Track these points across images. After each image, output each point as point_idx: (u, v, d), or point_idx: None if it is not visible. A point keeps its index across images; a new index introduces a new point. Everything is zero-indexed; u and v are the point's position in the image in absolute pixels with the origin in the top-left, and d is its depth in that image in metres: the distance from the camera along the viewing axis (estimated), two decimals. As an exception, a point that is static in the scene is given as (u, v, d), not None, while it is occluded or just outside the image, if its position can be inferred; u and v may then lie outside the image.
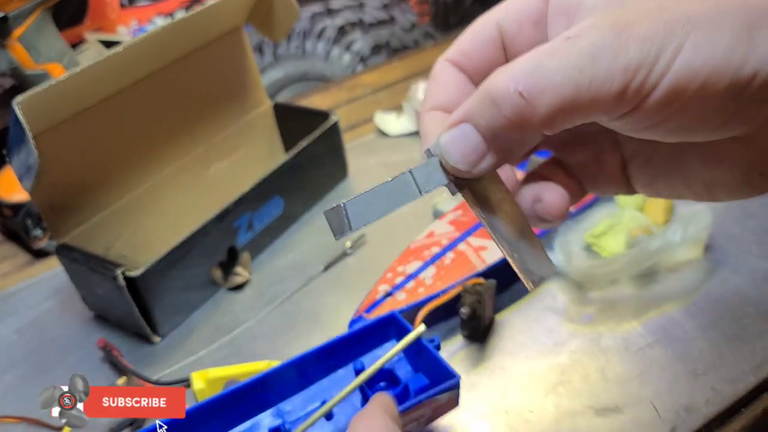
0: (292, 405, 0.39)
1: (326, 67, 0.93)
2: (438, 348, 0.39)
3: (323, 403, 0.38)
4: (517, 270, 0.30)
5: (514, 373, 0.45)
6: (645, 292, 0.49)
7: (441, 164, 0.28)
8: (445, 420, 0.41)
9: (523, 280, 0.30)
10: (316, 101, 0.86)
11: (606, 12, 0.26)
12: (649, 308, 0.48)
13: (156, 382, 0.46)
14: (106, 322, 0.55)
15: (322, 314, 0.52)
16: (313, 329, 0.51)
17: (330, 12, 0.90)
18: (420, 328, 0.38)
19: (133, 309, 0.49)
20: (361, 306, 0.47)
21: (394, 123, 0.76)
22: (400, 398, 0.37)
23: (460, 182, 0.28)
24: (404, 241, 0.53)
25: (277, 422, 0.37)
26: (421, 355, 0.39)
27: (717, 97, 0.24)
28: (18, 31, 0.59)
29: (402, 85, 0.86)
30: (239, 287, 0.57)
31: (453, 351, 0.47)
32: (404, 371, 0.39)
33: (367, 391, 0.37)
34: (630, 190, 0.32)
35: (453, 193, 0.29)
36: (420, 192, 0.28)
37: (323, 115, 0.64)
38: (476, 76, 0.31)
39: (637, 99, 0.24)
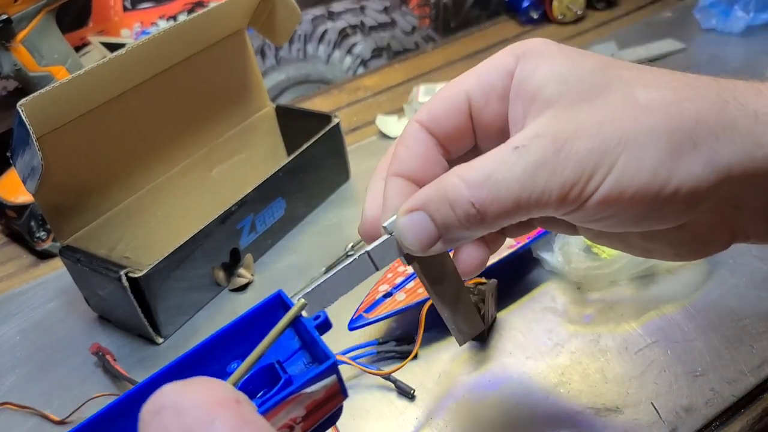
0: None
1: (328, 69, 0.94)
2: (325, 324, 0.30)
3: None
4: (451, 329, 0.35)
5: (514, 374, 0.45)
6: (644, 293, 0.49)
7: (396, 243, 0.31)
8: (445, 419, 0.42)
9: (456, 338, 0.36)
10: (317, 104, 0.87)
11: (553, 118, 0.29)
12: (649, 309, 0.48)
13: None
14: (110, 323, 0.55)
15: (324, 315, 0.53)
16: (314, 330, 0.51)
17: (331, 15, 0.91)
18: (299, 303, 0.29)
19: (136, 310, 0.50)
20: (361, 306, 0.47)
21: (395, 125, 0.76)
22: (278, 398, 0.27)
23: (410, 257, 0.32)
24: (405, 243, 0.53)
25: None
26: (309, 340, 0.30)
27: (645, 205, 0.28)
28: (22, 34, 0.60)
29: (403, 88, 0.86)
30: (242, 288, 0.57)
31: (456, 352, 0.47)
32: (303, 363, 0.30)
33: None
34: (576, 234, 0.35)
35: (405, 265, 0.32)
36: (377, 269, 0.32)
37: (325, 118, 0.65)
38: (444, 140, 0.33)
39: (574, 206, 0.28)
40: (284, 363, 0.30)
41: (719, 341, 0.45)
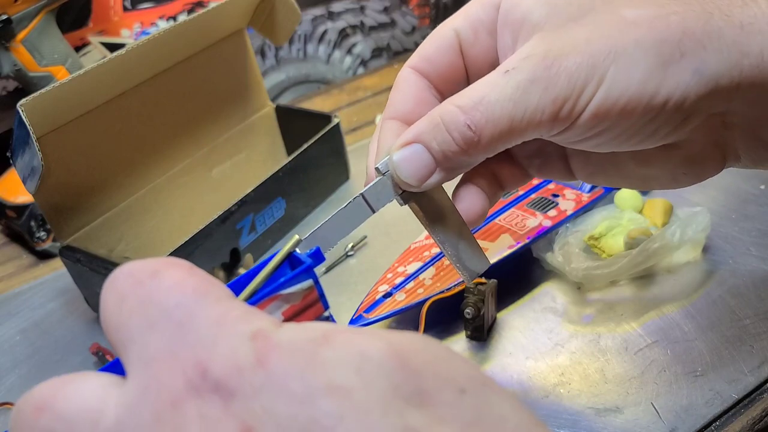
0: None
1: (328, 70, 0.94)
2: (317, 255, 0.29)
3: None
4: (456, 267, 0.34)
5: (514, 374, 0.45)
6: (644, 293, 0.49)
7: (392, 180, 0.31)
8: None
9: (461, 275, 0.34)
10: (317, 104, 0.87)
11: (542, 39, 0.29)
12: (649, 309, 0.48)
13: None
14: (109, 323, 0.55)
15: (324, 315, 0.53)
16: (314, 330, 0.51)
17: (331, 15, 0.91)
18: (293, 238, 0.28)
19: (136, 310, 0.50)
20: (361, 306, 0.47)
21: (395, 125, 0.76)
22: None
23: (407, 196, 0.31)
24: (404, 242, 0.53)
25: None
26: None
27: (636, 118, 0.28)
28: (22, 34, 0.60)
29: (403, 88, 0.86)
30: (241, 288, 0.57)
31: (457, 352, 0.47)
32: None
33: None
34: (573, 178, 0.36)
35: (401, 205, 0.32)
36: (373, 211, 0.32)
37: (325, 118, 0.65)
38: (437, 81, 0.33)
39: (567, 123, 0.29)
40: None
41: (719, 341, 0.45)
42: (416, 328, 0.45)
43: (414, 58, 0.34)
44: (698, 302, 0.48)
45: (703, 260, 0.51)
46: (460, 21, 0.33)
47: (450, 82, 0.33)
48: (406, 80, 0.33)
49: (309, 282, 0.27)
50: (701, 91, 0.28)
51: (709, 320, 0.46)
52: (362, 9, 0.93)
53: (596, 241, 0.52)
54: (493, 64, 0.32)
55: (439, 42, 0.33)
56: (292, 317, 0.27)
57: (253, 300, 0.26)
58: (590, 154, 0.34)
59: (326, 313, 0.28)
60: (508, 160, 0.35)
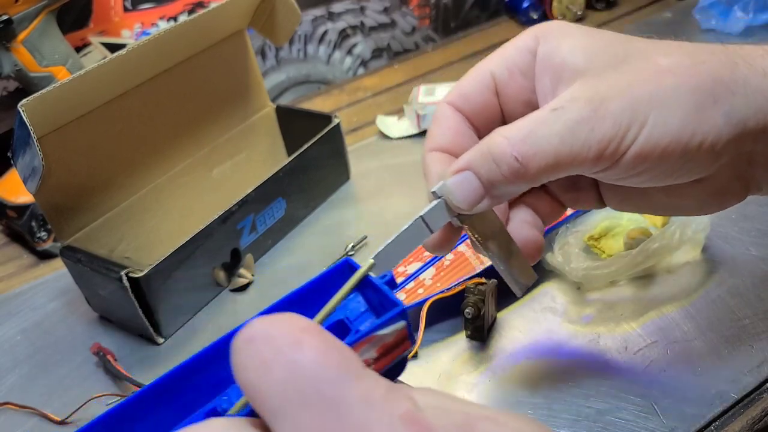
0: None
1: (328, 70, 0.94)
2: (392, 283, 0.32)
3: None
4: (508, 282, 0.38)
5: (514, 374, 0.45)
6: (644, 293, 0.50)
7: (446, 204, 0.33)
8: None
9: (513, 290, 0.38)
10: (318, 104, 0.87)
11: (585, 83, 0.32)
12: (648, 309, 0.48)
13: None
14: (110, 323, 0.55)
15: (324, 315, 0.53)
16: (315, 330, 0.51)
17: (331, 16, 0.91)
18: (368, 263, 0.31)
19: (137, 310, 0.50)
20: (363, 306, 0.47)
21: (395, 126, 0.76)
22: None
23: (461, 218, 0.34)
24: (405, 243, 0.53)
25: (216, 404, 0.31)
26: (380, 299, 0.32)
27: (674, 158, 0.31)
28: (23, 35, 0.60)
29: (403, 89, 0.86)
30: (242, 289, 0.57)
31: (457, 352, 0.47)
32: (369, 323, 0.32)
33: None
34: (603, 206, 0.39)
35: (456, 226, 0.35)
36: (431, 231, 0.34)
37: (325, 118, 0.65)
38: (473, 117, 0.36)
39: (610, 162, 0.31)
40: (352, 321, 0.32)
41: (719, 341, 0.45)
42: (416, 328, 0.46)
43: (452, 95, 0.36)
44: (698, 302, 0.48)
45: (703, 260, 0.51)
46: (496, 62, 0.35)
47: (485, 119, 0.36)
48: (445, 115, 0.36)
49: (402, 323, 0.29)
50: (732, 133, 0.31)
51: (709, 320, 0.46)
52: (362, 9, 0.93)
53: (596, 241, 0.52)
54: (527, 104, 0.35)
55: (476, 81, 0.36)
56: (384, 353, 0.29)
57: (350, 340, 0.27)
58: (622, 188, 0.36)
59: (412, 347, 0.30)
60: (545, 194, 0.38)
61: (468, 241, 0.51)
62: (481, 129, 0.36)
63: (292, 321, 0.21)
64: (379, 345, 0.29)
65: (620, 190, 0.37)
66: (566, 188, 0.38)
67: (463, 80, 0.37)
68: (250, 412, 0.27)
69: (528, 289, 0.40)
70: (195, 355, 0.30)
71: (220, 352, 0.30)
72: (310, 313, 0.30)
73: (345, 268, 0.33)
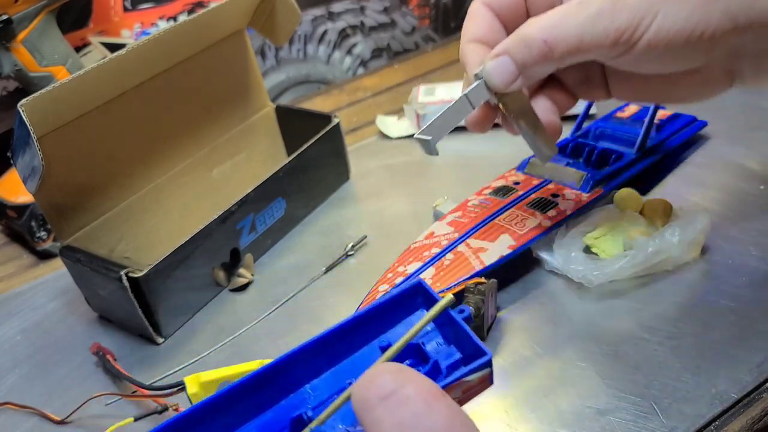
0: (315, 388, 0.36)
1: (328, 70, 0.94)
2: (468, 320, 0.35)
3: (348, 384, 0.35)
4: (535, 152, 0.46)
5: (513, 374, 0.45)
6: (644, 293, 0.50)
7: (485, 84, 0.41)
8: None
9: (539, 158, 0.46)
10: (317, 104, 0.87)
11: None
12: (648, 309, 0.48)
13: (150, 387, 0.46)
14: (110, 323, 0.55)
15: (324, 315, 0.53)
16: (315, 330, 0.51)
17: (331, 15, 0.91)
18: (447, 298, 0.34)
19: (137, 310, 0.50)
20: (362, 305, 0.47)
21: (395, 126, 0.76)
22: (430, 377, 0.32)
23: (498, 96, 0.41)
24: (405, 242, 0.53)
25: (302, 410, 0.34)
26: (451, 328, 0.35)
27: (679, 47, 0.37)
28: (22, 34, 0.60)
29: (403, 88, 0.86)
30: (242, 288, 0.57)
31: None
32: (435, 344, 0.36)
33: None
34: (610, 97, 0.46)
35: (494, 104, 0.43)
36: (473, 107, 0.41)
37: (325, 118, 0.65)
38: (503, 14, 0.43)
39: (625, 48, 0.37)
40: (423, 341, 0.35)
41: (719, 341, 0.45)
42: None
43: None
44: (698, 302, 0.48)
45: (703, 260, 0.51)
46: None
47: (513, 16, 0.43)
48: (479, 12, 0.44)
49: (488, 370, 0.33)
50: (727, 27, 0.36)
51: (709, 320, 0.46)
52: (362, 9, 0.93)
53: (596, 241, 0.52)
54: (551, 5, 0.41)
55: None
56: (467, 392, 0.33)
57: (443, 384, 0.31)
58: (628, 78, 0.43)
59: (491, 387, 0.34)
60: (560, 86, 0.45)
61: (468, 240, 0.51)
62: (509, 26, 0.42)
63: (421, 383, 0.24)
64: (465, 387, 0.33)
65: (626, 79, 0.44)
66: (579, 81, 0.45)
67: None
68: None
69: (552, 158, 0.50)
70: (331, 329, 0.35)
71: (354, 326, 0.36)
72: (379, 329, 0.36)
73: (416, 290, 0.37)
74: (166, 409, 0.44)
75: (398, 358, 0.33)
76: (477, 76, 0.41)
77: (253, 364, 0.43)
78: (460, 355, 0.34)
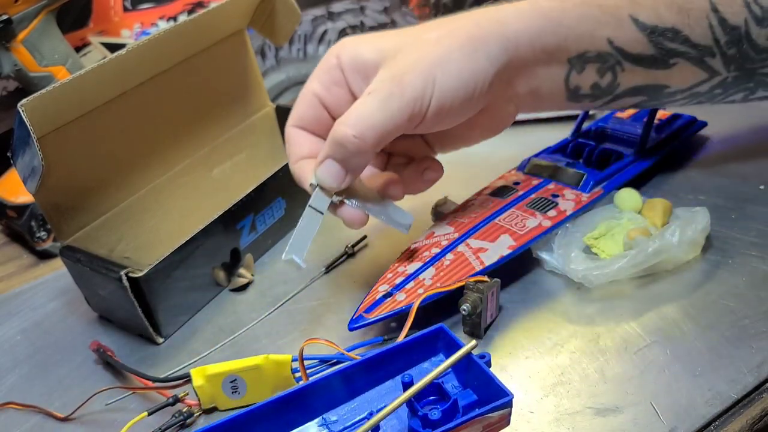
0: (338, 416, 0.38)
1: (328, 69, 0.94)
2: (489, 364, 0.38)
3: (370, 414, 0.37)
4: (394, 226, 0.49)
5: (513, 373, 0.45)
6: (644, 293, 0.50)
7: (322, 189, 0.45)
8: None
9: (401, 231, 0.50)
10: (317, 104, 0.87)
11: (385, 68, 0.43)
12: (648, 309, 0.48)
13: (156, 379, 0.46)
14: (110, 323, 0.55)
15: (324, 315, 0.53)
16: (315, 330, 0.51)
17: (331, 15, 0.91)
18: (471, 344, 0.37)
19: (137, 310, 0.50)
20: (362, 306, 0.47)
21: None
22: (448, 414, 0.36)
23: (337, 194, 0.46)
24: (405, 242, 0.53)
25: None
26: (471, 370, 0.38)
27: (462, 98, 0.43)
28: (22, 34, 0.60)
29: (403, 88, 0.86)
30: (242, 288, 0.57)
31: (453, 351, 0.47)
32: (451, 386, 0.39)
33: (415, 405, 0.36)
34: (434, 153, 0.52)
35: (336, 203, 0.46)
36: (322, 213, 0.46)
37: (325, 118, 0.65)
38: (313, 129, 0.48)
39: (420, 118, 0.43)
40: (443, 381, 0.38)
41: (719, 341, 0.45)
42: (412, 324, 0.45)
43: (292, 119, 0.48)
44: (698, 302, 0.48)
45: (703, 260, 0.51)
46: (315, 85, 0.47)
47: (322, 126, 0.48)
48: (294, 134, 0.48)
49: (509, 409, 0.36)
50: (495, 67, 0.43)
51: (709, 320, 0.46)
52: (362, 9, 0.93)
53: (596, 241, 0.52)
54: (349, 102, 0.45)
55: (306, 104, 0.47)
56: (487, 429, 0.36)
57: (461, 421, 0.34)
58: (438, 134, 0.49)
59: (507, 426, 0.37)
60: (395, 156, 0.52)
61: (468, 240, 0.51)
62: (323, 134, 0.47)
63: None
64: (486, 423, 0.36)
65: (437, 136, 0.50)
66: (408, 147, 0.51)
67: (296, 106, 0.48)
68: None
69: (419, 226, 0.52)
70: (355, 362, 0.38)
71: (378, 361, 0.39)
72: (399, 367, 0.40)
73: (438, 332, 0.40)
74: (177, 400, 0.45)
75: (420, 394, 0.36)
76: (312, 186, 0.45)
77: (258, 359, 0.44)
78: (476, 397, 0.37)
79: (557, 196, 0.55)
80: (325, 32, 0.91)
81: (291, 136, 0.48)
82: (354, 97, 0.46)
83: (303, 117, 0.47)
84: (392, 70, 0.42)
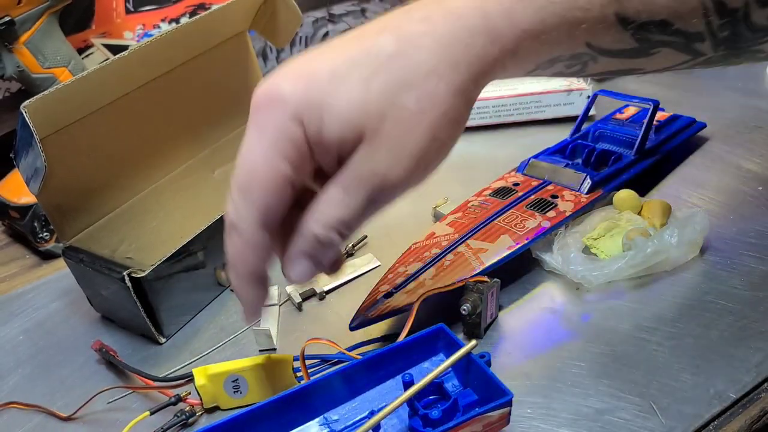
0: (339, 415, 0.38)
1: (329, 71, 0.94)
2: (489, 364, 0.38)
3: (371, 413, 0.38)
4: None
5: (513, 374, 0.45)
6: (643, 293, 0.50)
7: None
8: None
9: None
10: (318, 105, 0.87)
11: (362, 157, 0.33)
12: (647, 309, 0.48)
13: (158, 379, 0.46)
14: (112, 323, 0.56)
15: (325, 314, 0.53)
16: (315, 329, 0.51)
17: (332, 18, 0.91)
18: (471, 344, 0.37)
19: (139, 310, 0.50)
20: (363, 306, 0.48)
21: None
22: (449, 413, 0.36)
23: None
24: (405, 243, 0.53)
25: None
26: (471, 370, 0.38)
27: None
28: (25, 36, 0.60)
29: (404, 90, 0.86)
30: (243, 289, 0.57)
31: (454, 351, 0.47)
32: (451, 385, 0.39)
33: (416, 404, 0.36)
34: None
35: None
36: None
37: (326, 119, 0.65)
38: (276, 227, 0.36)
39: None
40: (443, 380, 0.38)
41: (718, 341, 0.45)
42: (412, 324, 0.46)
43: (259, 219, 0.35)
44: (696, 302, 0.48)
45: (701, 261, 0.52)
46: (282, 165, 0.33)
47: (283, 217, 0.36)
48: (263, 242, 0.36)
49: (508, 408, 0.36)
50: (477, 92, 0.35)
51: (708, 320, 0.47)
52: (363, 11, 0.93)
53: (595, 241, 0.52)
54: (319, 173, 0.35)
55: (276, 195, 0.34)
56: (487, 427, 0.36)
57: (462, 420, 0.35)
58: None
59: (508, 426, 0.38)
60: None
61: (468, 241, 0.51)
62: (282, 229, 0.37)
63: None
64: (486, 422, 0.36)
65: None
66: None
67: (259, 198, 0.34)
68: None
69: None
70: (355, 362, 0.38)
71: (379, 360, 0.39)
72: (404, 367, 0.39)
73: (438, 332, 0.40)
74: (180, 399, 0.45)
75: (421, 393, 0.36)
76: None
77: (260, 359, 0.44)
78: (476, 396, 0.37)
79: (556, 197, 0.55)
80: (326, 34, 0.92)
81: (261, 244, 0.36)
82: (322, 169, 0.35)
83: (275, 212, 0.34)
84: (370, 163, 0.33)
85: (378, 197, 0.34)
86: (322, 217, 0.34)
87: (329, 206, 0.34)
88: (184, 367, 0.50)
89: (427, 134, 0.33)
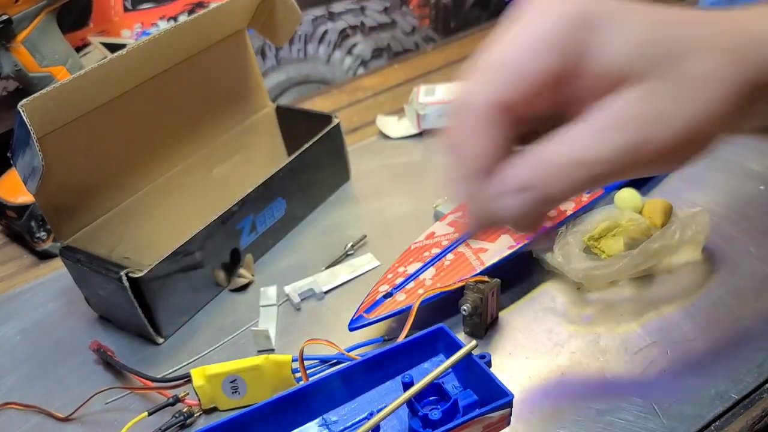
0: (338, 416, 0.38)
1: (328, 70, 0.94)
2: (489, 365, 0.38)
3: (370, 414, 0.38)
4: None
5: (514, 374, 0.45)
6: (644, 293, 0.50)
7: None
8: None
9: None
10: (318, 104, 0.87)
11: (640, 96, 0.28)
12: (648, 309, 0.48)
13: (156, 380, 0.46)
14: (110, 323, 0.55)
15: (324, 314, 0.53)
16: (314, 330, 0.51)
17: (331, 16, 0.91)
18: (471, 344, 0.37)
19: (137, 310, 0.50)
20: (362, 306, 0.47)
21: (395, 126, 0.76)
22: (449, 414, 0.36)
23: None
24: (405, 242, 0.53)
25: None
26: (471, 371, 0.38)
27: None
28: (22, 35, 0.60)
29: (403, 88, 0.86)
30: (242, 289, 0.57)
31: (454, 352, 0.47)
32: (451, 386, 0.39)
33: (415, 405, 0.36)
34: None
35: None
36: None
37: (325, 118, 0.65)
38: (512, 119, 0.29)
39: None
40: (443, 381, 0.38)
41: (719, 341, 0.45)
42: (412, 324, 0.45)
43: (494, 90, 0.28)
44: (698, 302, 0.48)
45: (703, 261, 0.51)
46: (547, 59, 0.28)
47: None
48: (496, 121, 0.29)
49: (509, 410, 0.35)
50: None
51: (709, 320, 0.46)
52: (362, 9, 0.93)
53: (596, 241, 0.52)
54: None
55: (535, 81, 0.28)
56: (488, 428, 0.36)
57: (461, 421, 0.34)
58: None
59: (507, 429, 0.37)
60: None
61: (467, 241, 0.51)
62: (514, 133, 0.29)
63: None
64: (486, 423, 0.35)
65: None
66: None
67: (512, 82, 0.28)
68: None
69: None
70: (356, 362, 0.38)
71: (379, 360, 0.39)
72: (401, 366, 0.39)
73: (437, 334, 0.39)
74: (178, 400, 0.45)
75: (421, 394, 0.36)
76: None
77: (259, 359, 0.44)
78: (476, 397, 0.36)
79: (557, 196, 0.55)
80: (325, 32, 0.91)
81: (496, 132, 0.28)
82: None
83: (516, 112, 0.28)
84: (649, 104, 0.28)
85: (632, 156, 0.27)
86: (566, 150, 0.28)
87: (579, 139, 0.28)
88: (182, 367, 0.50)
89: (703, 109, 0.28)
